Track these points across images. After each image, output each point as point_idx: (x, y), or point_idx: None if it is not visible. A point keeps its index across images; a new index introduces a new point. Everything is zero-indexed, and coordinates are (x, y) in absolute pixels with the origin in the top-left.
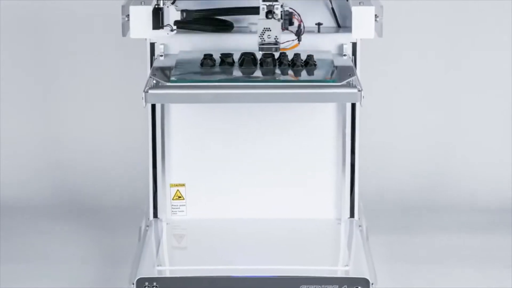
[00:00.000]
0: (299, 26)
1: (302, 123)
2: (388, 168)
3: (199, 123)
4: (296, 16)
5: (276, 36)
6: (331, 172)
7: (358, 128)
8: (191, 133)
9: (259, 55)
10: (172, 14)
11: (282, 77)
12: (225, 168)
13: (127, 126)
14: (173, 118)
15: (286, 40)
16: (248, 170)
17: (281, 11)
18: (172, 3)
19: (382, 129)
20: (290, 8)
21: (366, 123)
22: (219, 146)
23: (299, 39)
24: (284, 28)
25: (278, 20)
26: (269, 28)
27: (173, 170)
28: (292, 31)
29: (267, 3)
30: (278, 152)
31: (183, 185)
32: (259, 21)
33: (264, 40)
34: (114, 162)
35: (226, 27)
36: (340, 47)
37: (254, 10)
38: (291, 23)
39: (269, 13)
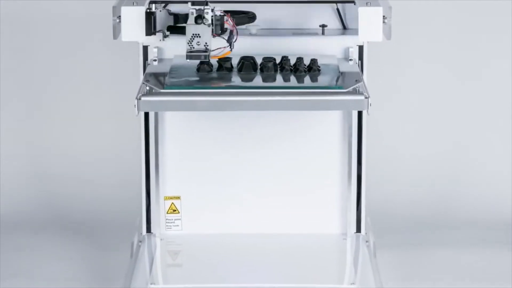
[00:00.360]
0: (231, 32)
1: (305, 132)
2: (397, 180)
3: (196, 132)
4: (228, 21)
5: (206, 43)
6: (336, 184)
7: (365, 138)
8: (187, 143)
9: (259, 59)
10: (165, 18)
11: (284, 83)
12: (223, 180)
13: (119, 135)
14: (168, 127)
15: (217, 47)
16: (248, 182)
17: (212, 16)
18: (164, 7)
19: (390, 138)
20: (222, 12)
21: (373, 132)
22: (217, 156)
23: (231, 46)
24: (215, 34)
25: (208, 25)
26: (198, 34)
27: (168, 182)
28: (224, 38)
29: (197, 7)
30: (279, 162)
31: (178, 197)
32: (187, 27)
33: (193, 47)
34: (105, 173)
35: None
36: (346, 51)
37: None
38: (222, 29)
39: (199, 18)
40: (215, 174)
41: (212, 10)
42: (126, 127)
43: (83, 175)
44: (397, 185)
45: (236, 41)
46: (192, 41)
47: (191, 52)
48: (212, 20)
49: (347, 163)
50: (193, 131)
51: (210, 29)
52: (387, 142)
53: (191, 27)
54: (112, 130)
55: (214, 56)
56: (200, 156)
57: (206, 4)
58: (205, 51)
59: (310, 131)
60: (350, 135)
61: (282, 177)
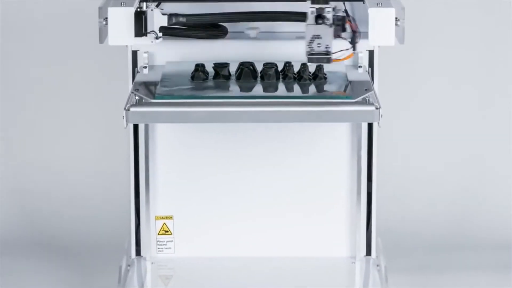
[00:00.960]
0: (354, 32)
1: (310, 146)
2: (410, 197)
3: (190, 146)
4: (350, 21)
5: (327, 45)
6: (344, 202)
7: (376, 152)
8: (180, 157)
9: (259, 66)
10: (157, 19)
11: (287, 93)
12: (220, 198)
13: (106, 149)
14: (159, 140)
15: (339, 49)
16: (247, 201)
17: (333, 15)
18: (157, 6)
19: (403, 152)
20: (343, 11)
21: (384, 146)
22: (213, 172)
23: (354, 48)
24: (336, 35)
25: (330, 25)
26: (319, 35)
27: (159, 200)
28: (345, 38)
29: (317, 6)
30: (282, 179)
31: (171, 217)
32: (307, 27)
33: (313, 49)
34: (91, 189)
35: (220, 33)
36: (355, 56)
37: (302, 16)
38: (344, 29)
39: (319, 17)
40: (211, 192)
41: (334, 9)
42: (114, 140)
43: (66, 192)
44: (411, 203)
45: (358, 42)
46: (312, 42)
47: (311, 54)
48: (333, 20)
49: (356, 180)
50: (187, 144)
51: (331, 29)
52: (399, 157)
53: (311, 27)
54: (99, 143)
55: (336, 59)
56: (195, 172)
57: (327, 3)
58: (327, 54)
59: (316, 145)
60: (359, 149)
61: (285, 195)
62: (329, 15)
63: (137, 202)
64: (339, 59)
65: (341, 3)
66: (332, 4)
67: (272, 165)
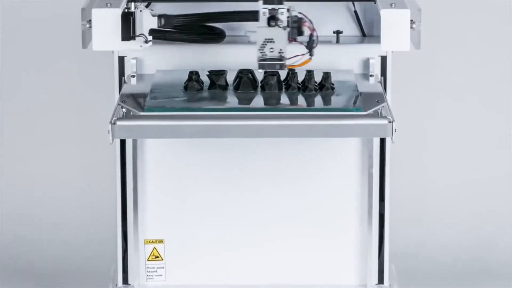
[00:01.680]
0: (311, 35)
1: (316, 163)
2: (426, 220)
3: (182, 164)
4: (307, 23)
5: (281, 49)
6: (354, 225)
7: (389, 170)
8: (172, 176)
9: (259, 74)
10: (146, 21)
11: (290, 105)
12: (216, 221)
13: (90, 167)
14: (149, 157)
15: (295, 54)
16: (247, 224)
17: (288, 17)
18: (147, 6)
19: (419, 170)
20: (299, 12)
21: (398, 163)
22: (209, 192)
23: (311, 53)
24: (292, 38)
25: (284, 28)
26: (271, 39)
27: (149, 223)
28: (302, 42)
29: (269, 6)
30: (284, 200)
31: (162, 241)
32: (258, 30)
33: (266, 55)
34: (73, 212)
35: (216, 37)
36: (365, 63)
37: (254, 16)
38: (300, 32)
39: (272, 19)
40: (207, 214)
41: (288, 10)
42: (99, 157)
43: (46, 213)
44: (428, 225)
45: (316, 46)
46: (264, 47)
47: (263, 60)
48: (288, 22)
49: (366, 200)
50: (179, 162)
51: (286, 32)
52: (415, 175)
53: (263, 30)
54: (82, 160)
55: (291, 66)
56: (189, 191)
57: (280, 3)
58: (280, 59)
59: (322, 162)
60: (370, 166)
61: (288, 217)
62: (283, 16)
63: (124, 225)
64: (294, 65)
65: (297, 2)
66: (286, 4)
67: (274, 185)
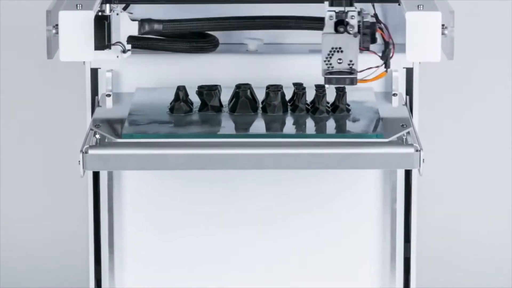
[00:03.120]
0: (387, 43)
1: (329, 197)
2: (459, 265)
3: (167, 199)
4: (381, 29)
5: (351, 60)
6: (375, 270)
7: (415, 206)
8: (155, 213)
9: (260, 93)
10: (124, 26)
11: (297, 131)
12: (208, 267)
13: (57, 204)
14: (127, 192)
15: (368, 66)
16: (245, 270)
17: (359, 21)
18: (125, 9)
19: (450, 207)
20: (372, 16)
21: (426, 198)
22: (199, 233)
23: (386, 65)
24: (363, 47)
25: (355, 34)
26: (340, 48)
27: (126, 269)
28: (375, 52)
29: (337, 8)
30: (291, 241)
31: None
32: (324, 37)
33: (332, 67)
34: (39, 257)
35: (208, 45)
36: (387, 76)
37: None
38: (373, 40)
39: (341, 24)
40: (197, 258)
41: (359, 13)
42: (67, 192)
43: (8, 257)
44: (459, 271)
45: (392, 57)
46: (331, 57)
47: (330, 73)
48: (359, 27)
49: (389, 241)
50: (163, 197)
51: (357, 40)
52: (446, 212)
53: (329, 37)
54: (48, 196)
55: (363, 80)
56: (175, 232)
57: (351, 4)
58: (351, 73)
59: (336, 195)
60: (393, 201)
61: (295, 263)
62: (353, 21)
63: (98, 271)
64: (367, 80)
65: (369, 4)
66: (358, 6)
67: (278, 223)
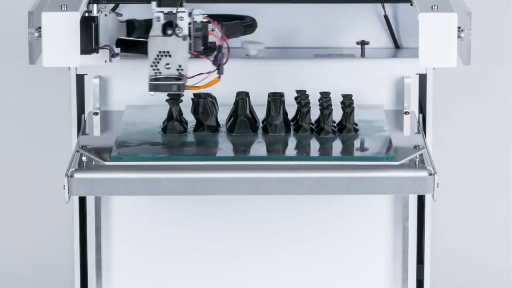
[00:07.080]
0: (219, 48)
1: (336, 223)
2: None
3: (159, 225)
4: (215, 31)
5: (180, 66)
6: None
7: (429, 225)
8: (146, 240)
9: (260, 113)
10: (113, 28)
11: (299, 153)
12: None
13: (40, 230)
14: (116, 218)
15: (198, 72)
16: None
17: (189, 23)
18: (113, 10)
19: (466, 232)
20: (205, 16)
21: (440, 222)
22: (195, 261)
23: (219, 71)
24: (195, 52)
25: (184, 37)
26: (167, 52)
27: None
28: (207, 57)
29: (165, 9)
30: (297, 264)
31: None
32: (151, 40)
33: (159, 72)
34: (22, 282)
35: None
36: (399, 83)
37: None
38: (205, 44)
39: (169, 26)
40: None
41: (190, 14)
42: (52, 219)
43: None
44: None
45: (227, 62)
46: (158, 62)
47: (156, 79)
48: (189, 29)
49: (401, 262)
50: (155, 223)
51: (186, 43)
52: (461, 232)
53: (156, 40)
54: (31, 222)
55: (193, 87)
56: (167, 260)
57: (181, 5)
58: (179, 78)
59: (343, 221)
60: (405, 219)
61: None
62: (183, 22)
63: None
64: (199, 87)
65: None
66: (188, 7)
67: (282, 251)
